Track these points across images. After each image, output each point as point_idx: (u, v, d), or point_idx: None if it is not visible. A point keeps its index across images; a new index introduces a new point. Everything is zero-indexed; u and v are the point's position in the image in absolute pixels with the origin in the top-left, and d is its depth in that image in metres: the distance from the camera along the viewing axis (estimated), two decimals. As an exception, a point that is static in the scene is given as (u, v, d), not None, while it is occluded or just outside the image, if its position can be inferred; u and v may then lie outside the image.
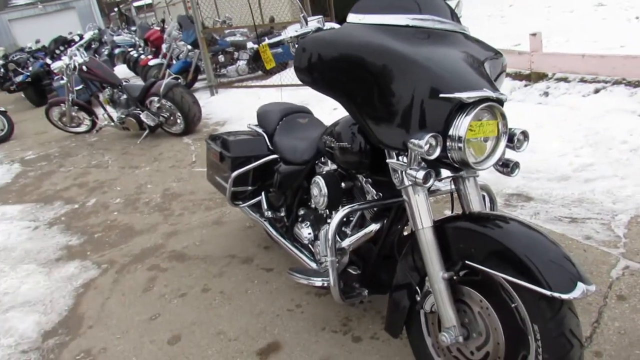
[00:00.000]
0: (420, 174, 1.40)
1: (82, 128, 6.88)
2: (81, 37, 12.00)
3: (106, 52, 14.63)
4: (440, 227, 1.52)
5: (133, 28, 18.68)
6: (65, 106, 6.49)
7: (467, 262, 1.44)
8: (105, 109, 6.27)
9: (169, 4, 19.06)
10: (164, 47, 9.34)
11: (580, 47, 5.31)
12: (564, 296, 1.23)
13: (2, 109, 7.65)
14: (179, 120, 5.83)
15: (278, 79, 7.28)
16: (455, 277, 1.49)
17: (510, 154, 1.55)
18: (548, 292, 1.24)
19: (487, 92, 1.36)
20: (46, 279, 2.99)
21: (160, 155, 5.38)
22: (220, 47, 8.90)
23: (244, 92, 7.71)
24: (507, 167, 1.54)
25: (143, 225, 3.61)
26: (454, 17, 1.65)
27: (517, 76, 5.28)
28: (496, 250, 1.36)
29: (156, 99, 5.71)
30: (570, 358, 1.29)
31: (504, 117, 1.43)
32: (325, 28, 1.65)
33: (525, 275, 1.28)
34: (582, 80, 4.63)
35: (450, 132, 1.38)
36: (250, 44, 8.90)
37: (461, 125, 1.35)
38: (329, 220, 2.00)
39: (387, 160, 1.56)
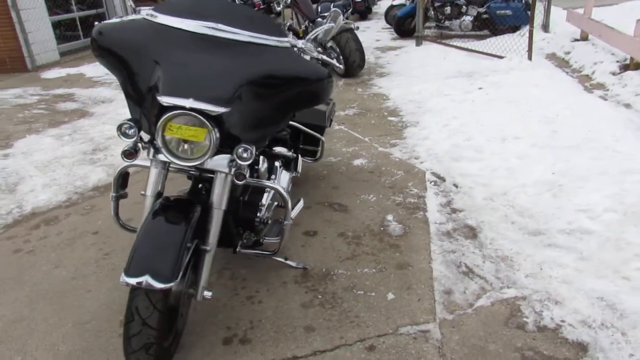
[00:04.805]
0: (122, 149, 1.74)
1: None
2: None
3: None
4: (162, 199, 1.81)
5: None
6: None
7: None
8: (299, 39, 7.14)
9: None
10: (403, -11, 9.65)
11: None
12: (122, 279, 1.56)
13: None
14: (341, 63, 6.30)
15: (488, 43, 6.83)
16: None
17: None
18: (122, 274, 1.58)
19: (184, 102, 1.57)
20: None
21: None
22: (450, -1, 8.68)
23: (444, 49, 7.52)
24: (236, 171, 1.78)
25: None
26: (257, 28, 1.80)
27: None
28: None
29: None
30: (130, 327, 1.62)
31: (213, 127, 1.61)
32: (152, 20, 1.85)
33: None
34: None
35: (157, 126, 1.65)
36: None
37: (160, 123, 1.63)
38: None
39: None
